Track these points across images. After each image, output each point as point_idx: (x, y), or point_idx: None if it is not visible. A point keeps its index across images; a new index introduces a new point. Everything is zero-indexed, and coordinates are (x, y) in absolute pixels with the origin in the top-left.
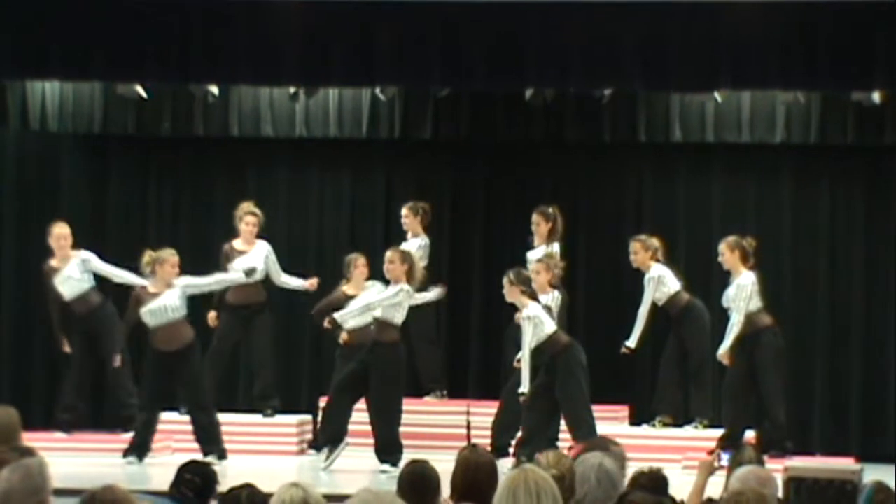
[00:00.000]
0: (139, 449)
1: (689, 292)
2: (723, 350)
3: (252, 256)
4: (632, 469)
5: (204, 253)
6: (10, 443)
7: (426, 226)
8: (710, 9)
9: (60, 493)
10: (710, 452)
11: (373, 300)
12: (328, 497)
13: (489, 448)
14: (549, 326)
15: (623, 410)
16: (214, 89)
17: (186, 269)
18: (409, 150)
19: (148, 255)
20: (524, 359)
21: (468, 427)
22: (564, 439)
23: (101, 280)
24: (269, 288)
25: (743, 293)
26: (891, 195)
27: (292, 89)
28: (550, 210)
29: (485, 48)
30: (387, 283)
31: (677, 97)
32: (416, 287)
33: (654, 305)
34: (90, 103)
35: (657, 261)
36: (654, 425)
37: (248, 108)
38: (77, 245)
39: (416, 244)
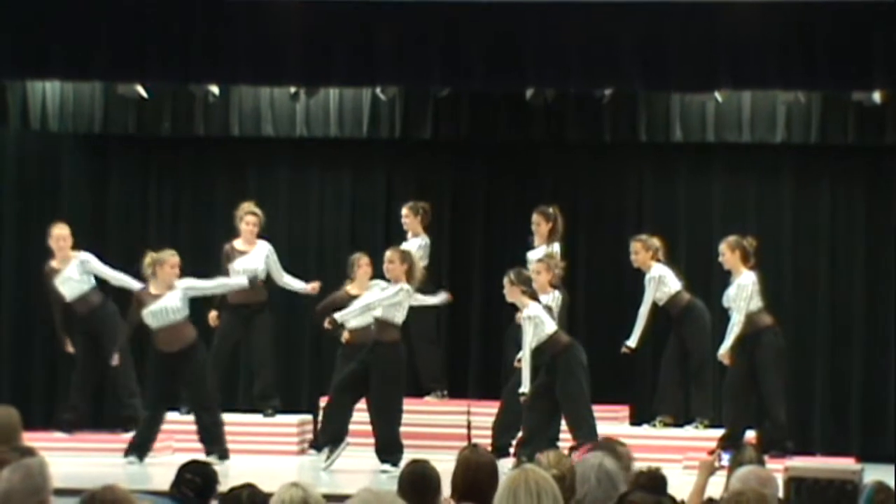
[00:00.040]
0: (140, 448)
1: (689, 292)
2: (723, 350)
3: (253, 257)
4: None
5: (204, 253)
6: (11, 443)
7: (426, 225)
8: (709, 9)
9: (61, 492)
10: (711, 452)
11: (373, 300)
12: (329, 497)
13: (490, 448)
14: (550, 326)
15: (623, 410)
16: (215, 89)
17: (187, 268)
18: (409, 150)
19: (149, 257)
20: (525, 359)
21: (469, 427)
22: (565, 439)
23: (102, 280)
24: (270, 288)
25: (743, 293)
26: (891, 195)
27: (293, 89)
28: (551, 210)
29: (485, 48)
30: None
31: (678, 97)
32: (415, 286)
33: (654, 305)
34: (91, 103)
35: (658, 261)
36: (654, 425)
37: (249, 108)
38: (78, 245)
39: (416, 244)
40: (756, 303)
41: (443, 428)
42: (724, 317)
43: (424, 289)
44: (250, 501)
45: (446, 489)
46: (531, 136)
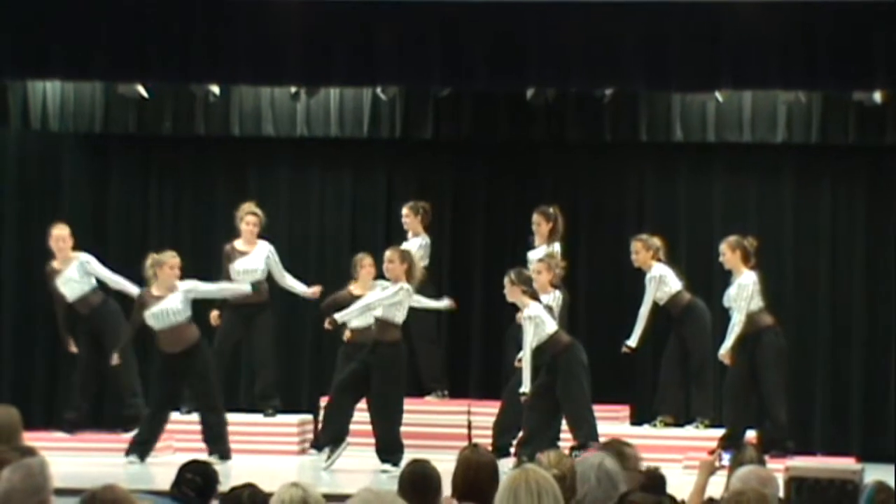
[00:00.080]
0: (142, 447)
1: (690, 292)
2: (724, 350)
3: (253, 257)
4: None
5: (205, 252)
6: (11, 442)
7: (427, 225)
8: (710, 8)
9: (61, 492)
10: (711, 452)
11: (373, 300)
12: (329, 497)
13: (490, 448)
14: (551, 326)
15: (624, 410)
16: (215, 89)
17: (188, 268)
18: (410, 150)
19: (150, 258)
20: (525, 358)
21: (469, 427)
22: (566, 439)
23: (103, 280)
24: (271, 287)
25: (744, 293)
26: (892, 195)
27: (293, 89)
28: (551, 210)
29: (486, 48)
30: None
31: (678, 97)
32: (415, 286)
33: (655, 305)
34: (91, 103)
35: (658, 260)
36: (655, 425)
37: (250, 108)
38: (78, 244)
39: (416, 244)
40: (757, 303)
41: (443, 428)
42: (724, 317)
43: (427, 290)
44: (251, 501)
45: (447, 489)
46: (532, 136)
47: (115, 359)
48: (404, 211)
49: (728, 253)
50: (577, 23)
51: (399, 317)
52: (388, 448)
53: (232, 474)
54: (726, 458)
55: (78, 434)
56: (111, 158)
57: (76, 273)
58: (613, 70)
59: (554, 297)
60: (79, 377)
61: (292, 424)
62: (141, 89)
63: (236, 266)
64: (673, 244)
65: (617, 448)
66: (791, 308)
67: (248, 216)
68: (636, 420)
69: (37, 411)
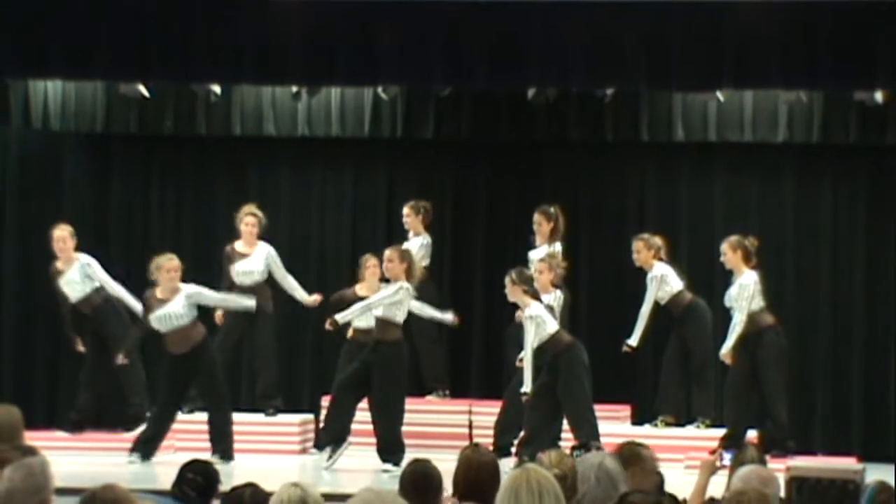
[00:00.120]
0: (146, 445)
1: (691, 292)
2: (725, 349)
3: (253, 259)
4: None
5: (206, 252)
6: (13, 441)
7: (427, 225)
8: (711, 8)
9: (62, 492)
10: (713, 452)
11: (373, 300)
12: (331, 496)
13: (491, 447)
14: (552, 326)
15: (625, 410)
16: (217, 88)
17: (189, 267)
18: (411, 150)
19: (153, 262)
20: (527, 358)
21: (470, 426)
22: (567, 439)
23: None
24: (273, 288)
25: (745, 293)
26: (893, 195)
27: (294, 88)
28: (552, 209)
29: (487, 47)
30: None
31: (680, 96)
32: (415, 285)
33: (656, 304)
34: (92, 102)
35: (660, 260)
36: (656, 425)
37: (251, 108)
38: (79, 244)
39: (417, 243)
40: (758, 302)
41: (445, 427)
42: (725, 316)
43: (428, 289)
44: (252, 501)
45: (448, 489)
46: (533, 136)
47: (120, 358)
48: (405, 210)
49: (729, 253)
50: (579, 22)
51: (399, 316)
52: (390, 448)
53: (233, 474)
54: (727, 458)
55: (80, 434)
56: (112, 158)
57: (77, 275)
58: (614, 70)
59: (555, 297)
60: (83, 376)
61: (293, 424)
62: (142, 89)
63: (236, 267)
64: (674, 244)
65: (633, 449)
66: (792, 308)
67: (248, 217)
68: (637, 420)
69: (38, 410)
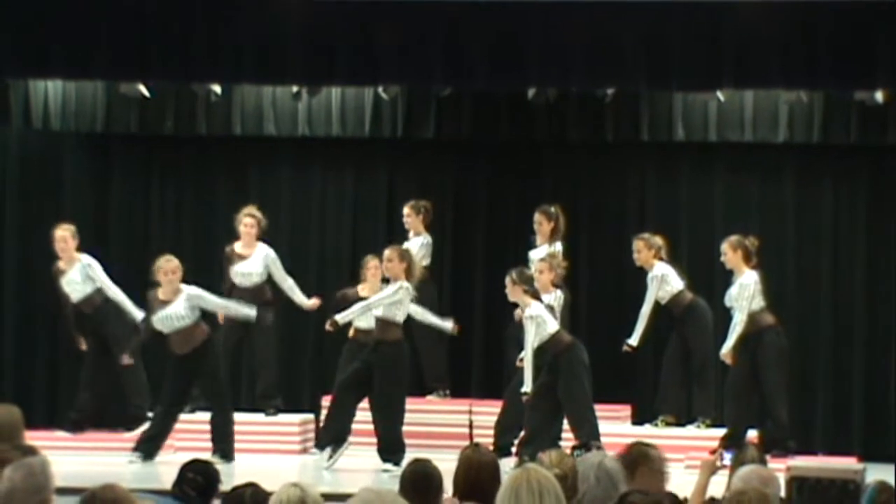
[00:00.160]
0: (149, 444)
1: (691, 291)
2: (726, 349)
3: (252, 261)
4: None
5: (207, 252)
6: (13, 441)
7: (428, 224)
8: (711, 8)
9: (63, 491)
10: (713, 452)
11: (372, 300)
12: (331, 496)
13: (492, 447)
14: (552, 326)
15: (625, 410)
16: (217, 88)
17: (189, 268)
18: (411, 150)
19: (155, 264)
20: (527, 358)
21: (471, 426)
22: (567, 439)
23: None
24: (273, 288)
25: (745, 292)
26: (894, 194)
27: (295, 88)
28: (553, 209)
29: (487, 47)
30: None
31: (680, 96)
32: (415, 284)
33: (656, 304)
34: (93, 102)
35: (660, 259)
36: (656, 425)
37: (251, 107)
38: (80, 244)
39: (418, 243)
40: (758, 302)
41: (445, 427)
42: (726, 316)
43: (428, 289)
44: (253, 500)
45: (448, 489)
46: (533, 136)
47: (125, 359)
48: (405, 210)
49: (729, 252)
50: (579, 22)
51: (400, 316)
52: (390, 447)
53: (234, 473)
54: (728, 458)
55: (80, 434)
56: (113, 158)
57: (78, 275)
58: (615, 70)
59: (555, 297)
60: (83, 376)
61: (294, 424)
62: (142, 89)
63: (236, 269)
64: (674, 244)
65: (642, 449)
66: (792, 308)
67: (246, 218)
68: (637, 420)
69: (38, 410)
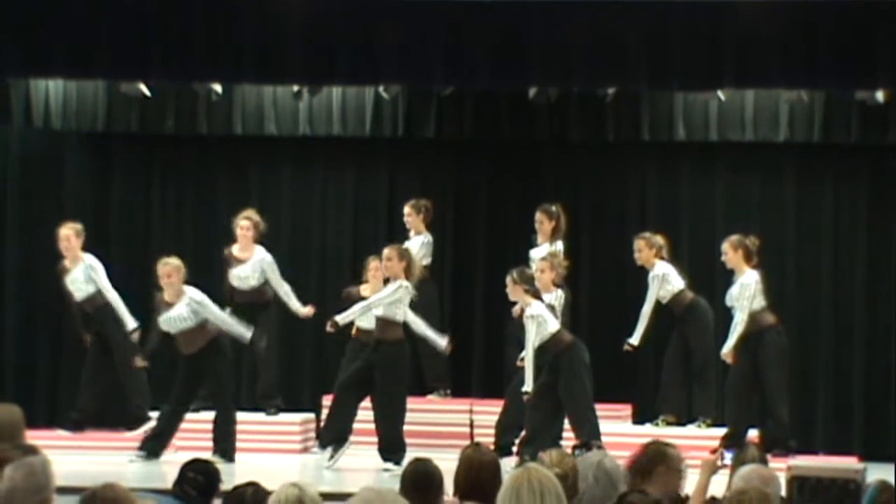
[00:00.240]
0: (154, 443)
1: (692, 291)
2: (726, 349)
3: (248, 266)
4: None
5: (207, 252)
6: (14, 441)
7: (428, 223)
8: (712, 8)
9: (64, 491)
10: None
11: (372, 300)
12: (331, 495)
13: (492, 447)
14: (553, 325)
15: (626, 409)
16: (218, 87)
17: (190, 268)
18: (412, 149)
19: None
20: (528, 358)
21: (471, 426)
22: (568, 438)
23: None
24: (273, 287)
25: (746, 292)
26: (894, 194)
27: (296, 87)
28: (554, 208)
29: (488, 47)
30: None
31: (681, 96)
32: (414, 283)
33: (657, 303)
34: (94, 101)
35: (661, 258)
36: (657, 424)
37: (252, 107)
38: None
39: (418, 242)
40: (759, 302)
41: (446, 427)
42: (727, 316)
43: (429, 288)
44: (254, 500)
45: (449, 488)
46: (534, 135)
47: (139, 361)
48: (406, 209)
49: (730, 252)
50: (580, 22)
51: (400, 315)
52: (391, 447)
53: (235, 473)
54: (728, 457)
55: (81, 433)
56: (113, 157)
57: (81, 275)
58: (616, 69)
59: (556, 296)
60: (84, 375)
61: (294, 423)
62: (143, 88)
63: (233, 272)
64: (675, 243)
65: (659, 448)
66: (793, 307)
67: (242, 221)
68: (638, 419)
69: (39, 410)
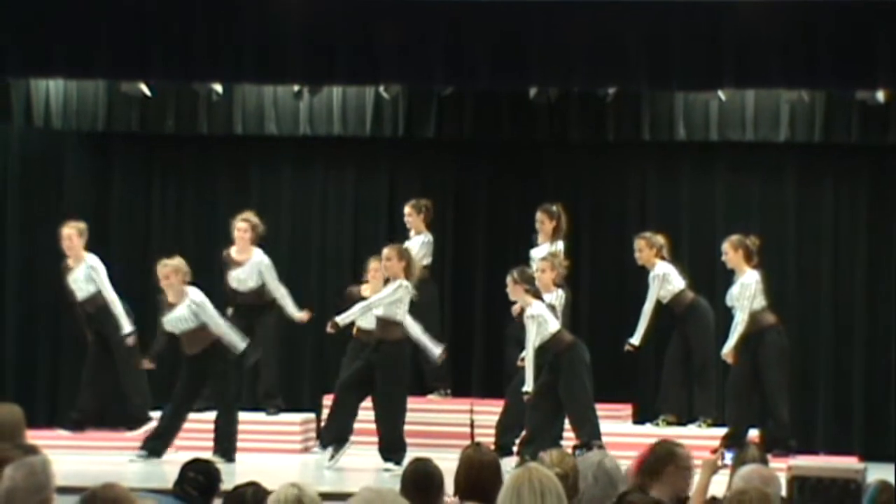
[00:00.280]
0: (156, 442)
1: (693, 291)
2: (727, 349)
3: (245, 269)
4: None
5: (207, 251)
6: (14, 440)
7: (429, 223)
8: (713, 7)
9: (64, 490)
10: (714, 451)
11: (372, 300)
12: (332, 495)
13: (493, 447)
14: (553, 325)
15: (626, 409)
16: (218, 87)
17: (190, 267)
18: (412, 149)
19: None
20: (528, 357)
21: (472, 426)
22: (568, 438)
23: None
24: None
25: (747, 292)
26: (894, 194)
27: (296, 87)
28: (554, 208)
29: (489, 47)
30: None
31: (681, 96)
32: (414, 283)
33: (658, 303)
34: (94, 101)
35: (662, 258)
36: (657, 424)
37: (252, 107)
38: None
39: (418, 242)
40: (759, 302)
41: (446, 426)
42: (727, 315)
43: (429, 288)
44: (254, 499)
45: (449, 488)
46: (534, 135)
47: (146, 363)
48: (406, 209)
49: (730, 252)
50: (580, 22)
51: (400, 314)
52: (391, 447)
53: (235, 472)
54: (729, 457)
55: (81, 433)
56: (114, 157)
57: (82, 275)
58: (616, 69)
59: (557, 296)
60: (85, 375)
61: (295, 423)
62: (144, 87)
63: (232, 274)
64: (675, 243)
65: (668, 447)
66: (793, 307)
67: (239, 223)
68: (639, 419)
69: (39, 409)
